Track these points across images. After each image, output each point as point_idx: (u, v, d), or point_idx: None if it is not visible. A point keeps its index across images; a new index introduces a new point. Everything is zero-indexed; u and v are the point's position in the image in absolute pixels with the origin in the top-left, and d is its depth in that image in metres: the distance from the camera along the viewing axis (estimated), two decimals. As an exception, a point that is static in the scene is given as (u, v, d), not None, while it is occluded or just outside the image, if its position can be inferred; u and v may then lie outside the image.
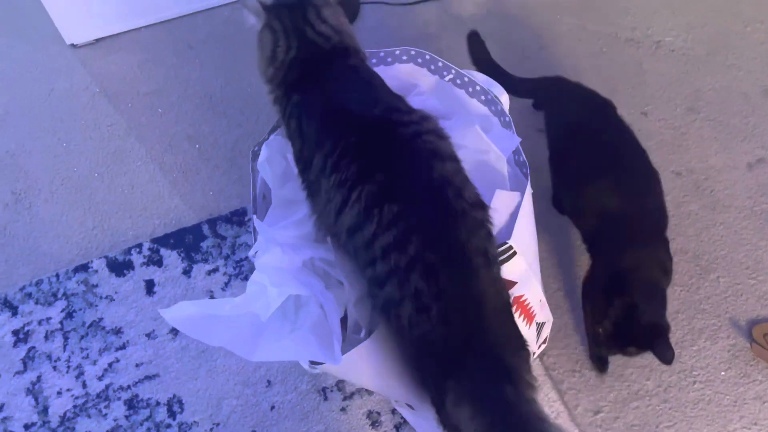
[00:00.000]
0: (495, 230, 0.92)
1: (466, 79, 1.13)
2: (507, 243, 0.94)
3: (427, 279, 0.85)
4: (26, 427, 1.25)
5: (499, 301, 0.90)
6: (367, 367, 0.93)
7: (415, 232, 0.86)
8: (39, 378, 1.30)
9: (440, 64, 1.15)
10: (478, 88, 1.12)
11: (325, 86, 1.01)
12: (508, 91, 1.20)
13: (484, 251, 0.89)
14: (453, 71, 1.14)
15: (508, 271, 0.94)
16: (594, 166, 1.26)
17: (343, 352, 0.86)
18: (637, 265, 1.17)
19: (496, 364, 0.87)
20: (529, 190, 1.02)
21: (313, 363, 0.88)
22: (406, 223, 0.86)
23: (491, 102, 1.11)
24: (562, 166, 1.35)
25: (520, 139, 1.08)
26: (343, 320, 0.96)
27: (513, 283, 0.96)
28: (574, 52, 1.78)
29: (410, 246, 0.85)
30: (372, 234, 0.87)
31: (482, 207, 0.92)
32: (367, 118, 0.94)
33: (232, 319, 0.85)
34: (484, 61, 1.55)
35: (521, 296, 0.99)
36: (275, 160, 1.06)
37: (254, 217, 0.97)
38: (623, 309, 1.11)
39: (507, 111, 1.10)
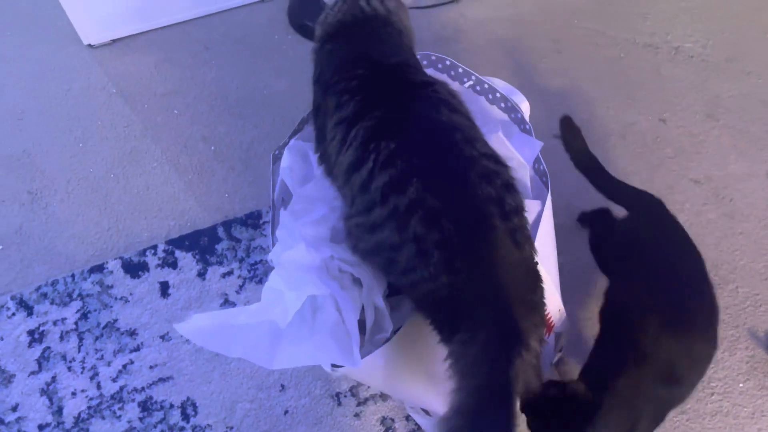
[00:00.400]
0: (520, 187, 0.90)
1: (486, 85, 1.12)
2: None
3: (428, 225, 0.82)
4: (40, 427, 1.25)
5: (516, 256, 0.85)
6: (386, 371, 0.92)
7: (417, 173, 0.84)
8: (54, 378, 1.30)
9: (460, 70, 1.14)
10: (498, 95, 1.11)
11: (355, 38, 1.06)
12: (600, 189, 1.19)
13: (498, 200, 0.85)
14: (473, 78, 1.13)
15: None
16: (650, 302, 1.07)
17: (363, 354, 0.85)
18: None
19: (504, 324, 0.82)
20: (549, 200, 1.01)
21: (333, 366, 0.87)
22: (405, 162, 0.84)
23: (511, 109, 1.11)
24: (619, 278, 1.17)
25: (541, 144, 1.07)
26: (361, 322, 0.95)
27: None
28: (591, 57, 1.77)
29: (410, 188, 0.83)
30: (369, 173, 0.85)
31: (498, 161, 0.89)
32: (381, 63, 0.97)
33: (248, 327, 0.84)
34: (579, 152, 1.28)
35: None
36: (297, 164, 1.06)
37: (281, 210, 0.96)
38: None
39: (527, 119, 1.09)
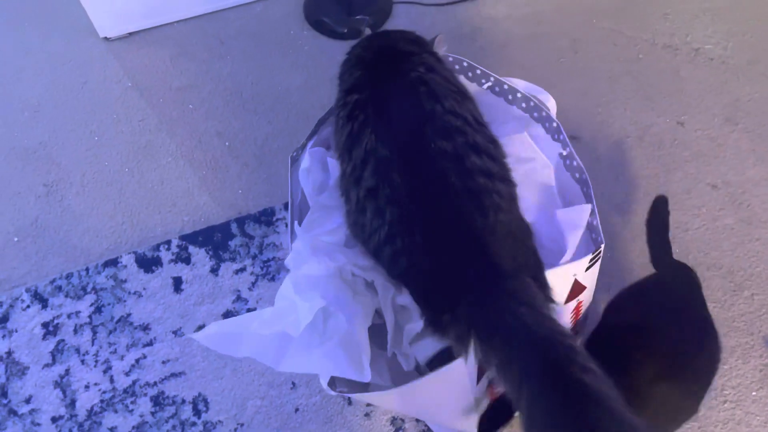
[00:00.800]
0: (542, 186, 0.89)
1: (505, 86, 1.11)
2: (601, 246, 0.92)
3: (379, 177, 0.84)
4: (54, 419, 1.26)
5: (478, 222, 0.84)
6: (406, 406, 0.92)
7: (372, 125, 0.86)
8: (67, 371, 1.31)
9: (478, 71, 1.13)
10: (519, 95, 1.09)
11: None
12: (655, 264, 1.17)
13: (456, 156, 0.84)
14: (492, 79, 1.12)
15: (588, 275, 0.92)
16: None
17: (383, 386, 0.85)
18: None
19: (496, 283, 0.81)
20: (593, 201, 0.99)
21: (330, 385, 0.87)
22: (365, 114, 0.88)
23: (534, 108, 1.09)
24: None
25: (567, 145, 1.05)
26: (381, 326, 0.95)
27: (583, 288, 0.94)
28: (609, 57, 1.75)
29: (365, 139, 0.85)
30: (347, 136, 0.90)
31: (468, 122, 0.89)
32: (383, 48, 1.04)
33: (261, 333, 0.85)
34: (656, 229, 1.24)
35: (581, 302, 0.98)
36: (315, 169, 1.05)
37: (295, 224, 0.97)
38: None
39: (554, 116, 1.07)
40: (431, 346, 0.97)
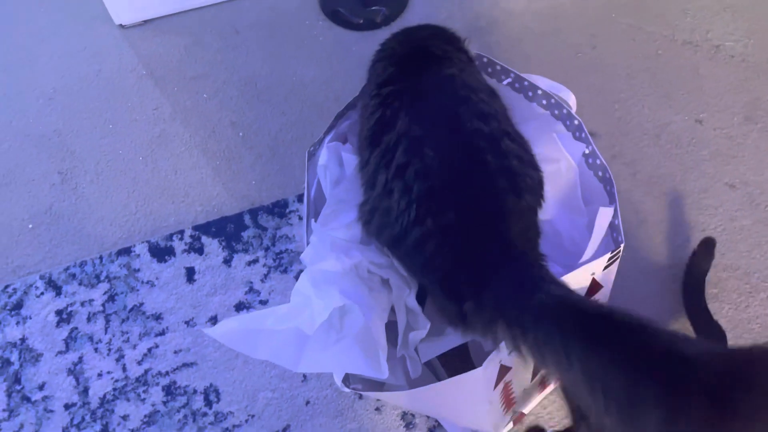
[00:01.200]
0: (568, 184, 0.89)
1: (525, 83, 1.09)
2: (621, 245, 0.92)
3: (410, 153, 0.84)
4: (66, 406, 1.27)
5: (512, 203, 0.84)
6: (427, 406, 0.92)
7: (406, 108, 0.87)
8: (80, 359, 1.32)
9: (498, 67, 1.12)
10: (539, 92, 1.08)
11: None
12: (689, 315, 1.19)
13: (491, 137, 0.85)
14: (512, 75, 1.11)
15: (606, 275, 0.92)
16: None
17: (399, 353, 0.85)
18: None
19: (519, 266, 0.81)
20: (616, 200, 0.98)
21: (344, 381, 0.87)
22: (399, 101, 0.89)
23: (555, 106, 1.07)
24: None
25: (584, 146, 1.04)
26: (393, 323, 0.94)
27: (600, 287, 0.94)
28: (628, 52, 1.73)
29: (399, 122, 0.85)
30: (376, 121, 0.90)
31: (498, 116, 0.91)
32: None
33: (275, 330, 0.84)
34: (699, 274, 1.27)
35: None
36: (332, 164, 1.05)
37: (312, 221, 0.96)
38: None
39: (575, 113, 1.05)
40: (435, 346, 0.97)
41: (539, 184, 0.91)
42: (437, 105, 0.90)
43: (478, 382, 0.84)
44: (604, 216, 0.92)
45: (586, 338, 0.70)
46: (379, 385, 0.94)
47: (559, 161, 1.00)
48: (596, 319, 0.71)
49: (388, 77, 0.99)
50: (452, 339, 0.96)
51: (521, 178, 0.85)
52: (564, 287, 0.79)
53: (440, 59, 0.98)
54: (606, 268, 0.92)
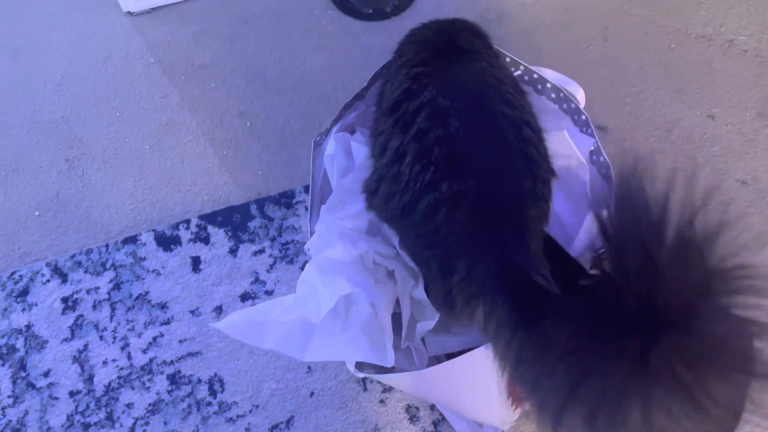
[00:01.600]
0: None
1: (535, 75, 1.08)
2: None
3: (433, 120, 0.84)
4: (71, 394, 1.28)
5: (528, 186, 0.84)
6: (430, 389, 0.91)
7: (434, 82, 0.88)
8: (86, 346, 1.32)
9: (508, 59, 1.11)
10: (548, 85, 1.07)
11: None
12: None
13: (514, 122, 0.86)
14: (521, 67, 1.09)
15: None
16: None
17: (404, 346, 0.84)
18: None
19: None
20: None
21: (357, 367, 0.87)
22: (428, 78, 0.90)
23: (563, 100, 1.06)
24: None
25: (593, 141, 1.03)
26: (397, 315, 0.94)
27: None
28: (640, 46, 1.71)
29: (424, 93, 0.87)
30: (401, 92, 0.90)
31: (525, 108, 0.92)
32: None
33: (282, 321, 0.84)
34: None
35: None
36: (339, 154, 1.04)
37: (317, 209, 0.96)
38: None
39: (582, 109, 1.04)
40: (446, 342, 0.97)
41: (549, 190, 0.90)
42: (466, 86, 0.91)
43: (486, 362, 0.84)
44: (592, 223, 0.92)
45: (590, 319, 0.70)
46: (391, 369, 0.93)
47: (570, 158, 0.99)
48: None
49: (420, 61, 0.98)
50: (463, 339, 0.95)
51: (537, 166, 0.86)
52: (555, 291, 0.78)
53: (471, 52, 0.98)
54: None
